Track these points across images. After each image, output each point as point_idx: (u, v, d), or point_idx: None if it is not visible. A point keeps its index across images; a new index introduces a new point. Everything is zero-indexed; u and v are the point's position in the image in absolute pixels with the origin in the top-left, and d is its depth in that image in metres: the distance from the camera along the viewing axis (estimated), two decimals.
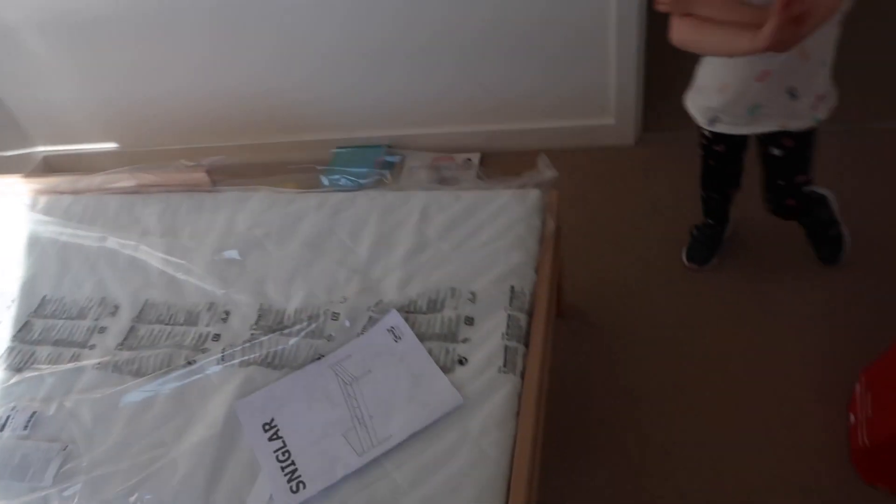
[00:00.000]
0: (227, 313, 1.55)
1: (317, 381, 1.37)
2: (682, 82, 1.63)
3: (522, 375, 1.32)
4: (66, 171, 2.62)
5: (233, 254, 1.67)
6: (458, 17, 2.21)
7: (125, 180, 1.91)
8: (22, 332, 1.61)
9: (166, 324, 1.56)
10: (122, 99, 2.62)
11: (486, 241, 1.56)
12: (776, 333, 1.83)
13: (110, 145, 2.82)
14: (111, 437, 1.34)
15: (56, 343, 1.56)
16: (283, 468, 1.24)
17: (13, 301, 1.69)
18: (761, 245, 2.00)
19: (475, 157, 2.52)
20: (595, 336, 1.92)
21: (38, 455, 1.33)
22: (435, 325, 1.43)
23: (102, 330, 1.57)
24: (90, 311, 1.62)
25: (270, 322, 1.51)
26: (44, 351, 1.55)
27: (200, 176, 1.88)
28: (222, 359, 1.44)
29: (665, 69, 1.83)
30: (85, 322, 1.59)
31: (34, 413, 1.41)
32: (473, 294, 1.45)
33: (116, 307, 1.61)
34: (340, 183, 2.41)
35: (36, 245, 1.82)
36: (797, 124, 1.46)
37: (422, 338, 1.40)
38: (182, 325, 1.55)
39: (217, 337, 1.50)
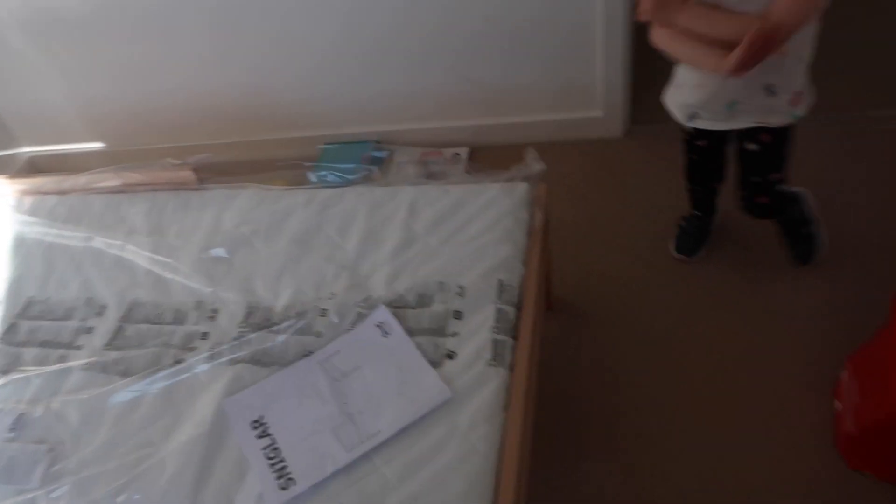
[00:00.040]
0: (215, 311, 1.54)
1: (305, 377, 1.37)
2: (669, 75, 1.63)
3: (511, 369, 1.32)
4: (51, 172, 2.60)
5: (220, 252, 1.66)
6: (446, 13, 2.20)
7: (110, 180, 1.90)
8: (8, 333, 1.60)
9: (154, 323, 1.55)
10: (108, 98, 2.60)
11: (474, 235, 1.56)
12: (763, 323, 1.83)
13: (96, 145, 2.80)
14: (99, 437, 1.33)
15: (42, 344, 1.55)
16: (272, 465, 1.23)
17: None
18: (749, 236, 2.01)
19: (463, 152, 2.51)
20: (584, 328, 1.92)
21: (24, 457, 1.32)
22: (423, 319, 1.42)
23: (89, 330, 1.56)
24: (76, 311, 1.60)
25: (258, 319, 1.50)
26: (30, 352, 1.54)
27: (187, 174, 1.87)
28: (210, 357, 1.43)
29: (652, 62, 1.84)
30: (71, 323, 1.58)
31: (20, 415, 1.40)
32: (462, 288, 1.45)
33: (103, 307, 1.60)
34: (328, 179, 2.40)
35: (21, 246, 1.80)
36: (775, 120, 1.47)
37: (410, 333, 1.40)
38: (170, 324, 1.54)
39: (205, 335, 1.50)
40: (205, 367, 1.42)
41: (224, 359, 1.42)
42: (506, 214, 1.58)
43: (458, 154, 2.51)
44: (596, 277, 2.04)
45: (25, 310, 1.65)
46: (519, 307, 1.43)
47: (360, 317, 1.45)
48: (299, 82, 2.46)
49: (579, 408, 1.76)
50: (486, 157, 2.48)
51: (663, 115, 1.67)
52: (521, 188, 1.64)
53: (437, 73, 2.36)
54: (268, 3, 2.23)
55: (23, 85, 2.59)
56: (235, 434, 1.30)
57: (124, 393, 1.39)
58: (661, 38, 1.42)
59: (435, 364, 1.33)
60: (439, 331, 1.40)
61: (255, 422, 1.31)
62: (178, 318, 1.54)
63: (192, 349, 1.47)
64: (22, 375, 1.48)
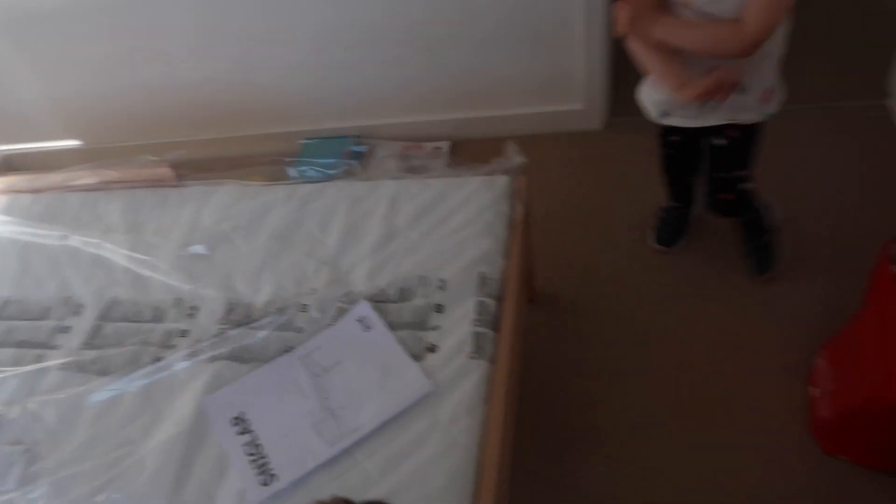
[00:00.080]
0: (195, 309, 1.53)
1: (286, 373, 1.36)
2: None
3: (493, 361, 1.32)
4: (27, 170, 2.57)
5: (199, 249, 1.65)
6: (427, 7, 2.19)
7: (87, 177, 1.88)
8: None
9: (132, 321, 1.53)
10: (84, 94, 2.57)
11: (455, 229, 1.56)
12: (741, 312, 1.85)
13: (73, 142, 2.76)
14: (77, 437, 1.32)
15: (18, 344, 1.53)
16: (253, 462, 1.23)
17: None
18: (727, 227, 2.02)
19: (444, 146, 2.51)
20: (566, 320, 1.93)
21: (0, 459, 1.31)
22: (405, 313, 1.42)
23: (66, 330, 1.54)
24: (53, 310, 1.59)
25: (239, 316, 1.49)
26: (5, 353, 1.52)
27: (164, 171, 1.85)
28: (190, 355, 1.42)
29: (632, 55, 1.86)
30: (48, 322, 1.56)
31: None
32: (443, 282, 1.45)
33: (80, 306, 1.58)
34: (308, 174, 2.40)
35: None
36: (746, 117, 1.48)
37: (392, 327, 1.40)
38: (148, 322, 1.53)
39: (185, 333, 1.49)
40: (184, 364, 1.41)
41: (204, 356, 1.42)
42: (486, 208, 1.58)
43: (438, 148, 2.51)
44: (577, 269, 2.05)
45: (1, 310, 1.62)
46: (500, 300, 1.44)
47: (341, 312, 1.45)
48: (278, 77, 2.44)
49: (561, 399, 1.77)
50: (468, 151, 2.47)
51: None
52: (502, 181, 1.64)
53: (416, 66, 2.35)
54: None
55: None
56: (216, 431, 1.29)
57: (103, 392, 1.38)
58: (632, 47, 1.45)
59: (416, 358, 1.34)
60: (420, 324, 1.40)
61: (236, 418, 1.30)
62: (157, 316, 1.53)
63: (171, 347, 1.46)
64: None
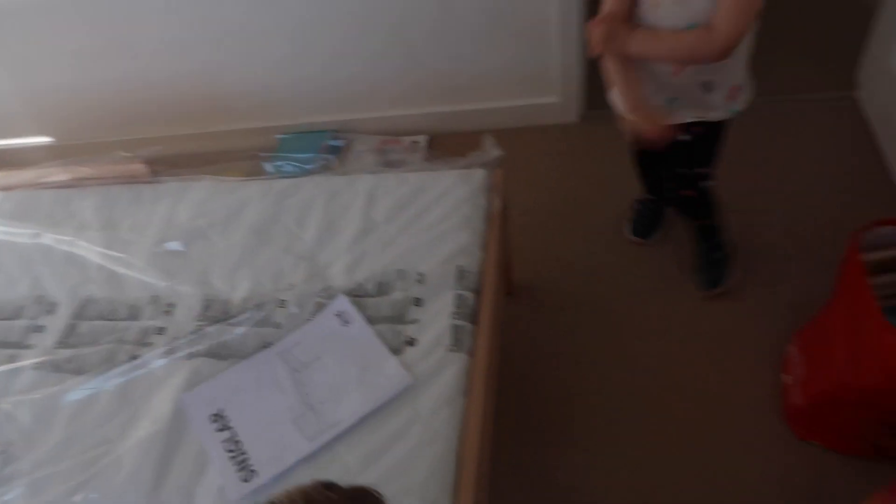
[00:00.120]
0: (171, 306, 1.52)
1: (265, 369, 1.36)
2: None
3: (471, 353, 1.33)
4: None
5: (175, 245, 1.63)
6: (403, 1, 2.19)
7: (59, 174, 1.85)
8: None
9: (108, 319, 1.52)
10: (55, 90, 2.52)
11: (432, 223, 1.56)
12: (715, 303, 1.88)
13: (43, 139, 2.71)
14: (53, 437, 1.30)
15: None
16: (232, 458, 1.23)
17: None
18: None
19: (422, 140, 2.51)
20: (544, 312, 1.94)
21: None
22: (383, 307, 1.43)
23: (40, 329, 1.52)
24: (26, 309, 1.56)
25: (216, 312, 1.49)
26: None
27: (138, 167, 1.83)
28: (167, 352, 1.41)
29: None
30: (21, 322, 1.54)
31: None
32: (421, 275, 1.46)
33: (54, 305, 1.56)
34: (285, 169, 2.38)
35: None
36: (714, 115, 1.49)
37: (371, 321, 1.40)
38: (124, 319, 1.51)
39: (161, 330, 1.47)
40: (161, 362, 1.40)
41: (181, 353, 1.41)
42: (464, 201, 1.59)
43: (416, 142, 2.50)
44: (555, 262, 2.06)
45: None
46: (478, 293, 1.44)
47: (320, 307, 1.44)
48: (254, 72, 2.42)
49: (539, 391, 1.78)
50: (445, 145, 2.47)
51: None
52: (479, 175, 1.64)
53: (393, 60, 2.35)
54: None
55: None
56: (194, 428, 1.28)
57: (78, 391, 1.37)
58: (605, 67, 1.47)
59: (395, 351, 1.34)
60: (399, 318, 1.40)
61: (215, 415, 1.30)
62: (133, 314, 1.52)
63: (148, 345, 1.44)
64: None
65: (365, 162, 2.42)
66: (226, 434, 1.26)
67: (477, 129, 1.97)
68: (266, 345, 1.40)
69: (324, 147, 2.48)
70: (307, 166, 2.39)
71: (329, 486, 0.76)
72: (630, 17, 1.41)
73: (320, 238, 1.58)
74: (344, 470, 1.18)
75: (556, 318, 1.92)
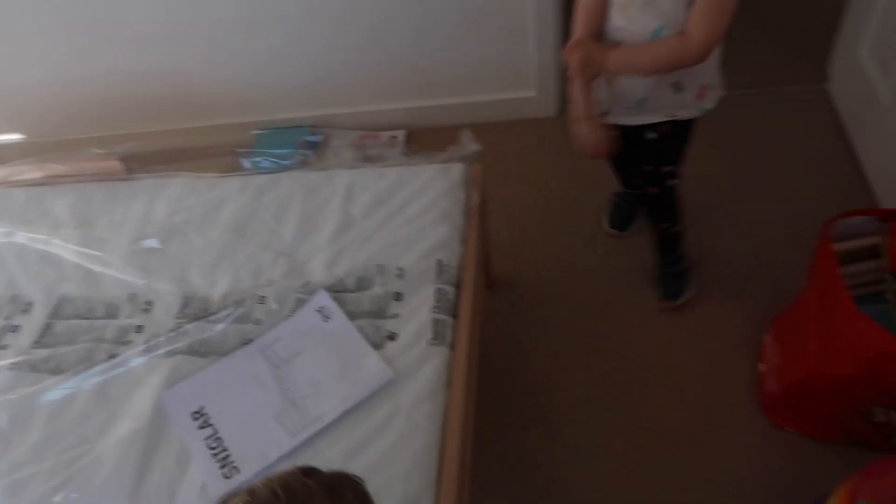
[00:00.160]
0: (150, 304, 1.51)
1: (246, 366, 1.35)
2: None
3: (452, 347, 1.34)
4: None
5: (152, 243, 1.62)
6: None
7: (32, 172, 1.83)
8: None
9: (85, 318, 1.50)
10: (26, 86, 2.48)
11: (411, 217, 1.57)
12: (693, 293, 1.90)
13: (15, 136, 2.67)
14: (30, 437, 1.29)
15: None
16: (214, 455, 1.22)
17: None
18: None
19: (400, 135, 2.51)
20: (523, 305, 1.96)
21: None
22: (364, 302, 1.43)
23: (15, 329, 1.50)
24: (0, 309, 1.54)
25: (195, 310, 1.48)
26: None
27: (113, 164, 1.81)
28: (146, 350, 1.40)
29: None
30: None
31: None
32: (401, 270, 1.46)
33: (29, 304, 1.54)
34: (263, 165, 2.37)
35: None
36: (684, 114, 1.51)
37: (351, 316, 1.40)
38: (102, 318, 1.50)
39: (140, 328, 1.46)
40: (141, 360, 1.39)
41: (161, 351, 1.40)
42: (442, 196, 1.59)
43: (394, 137, 2.50)
44: (534, 255, 2.08)
45: None
46: (458, 287, 1.45)
47: (300, 303, 1.44)
48: (230, 67, 2.40)
49: (520, 383, 1.80)
50: (423, 140, 2.48)
51: None
52: (457, 169, 1.65)
53: (370, 54, 2.34)
54: None
55: None
56: (175, 426, 1.28)
57: (56, 391, 1.35)
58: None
59: (376, 346, 1.34)
60: (380, 313, 1.40)
61: (196, 413, 1.29)
62: (111, 312, 1.50)
63: (126, 343, 1.43)
64: None
65: (343, 157, 2.41)
66: (207, 431, 1.26)
67: (455, 123, 1.97)
68: (246, 341, 1.40)
69: (301, 143, 2.47)
70: (285, 162, 2.38)
71: (308, 473, 0.76)
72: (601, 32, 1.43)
73: (299, 234, 1.58)
74: (327, 465, 1.16)
75: (536, 311, 1.94)
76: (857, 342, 1.29)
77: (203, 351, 1.39)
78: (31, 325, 1.50)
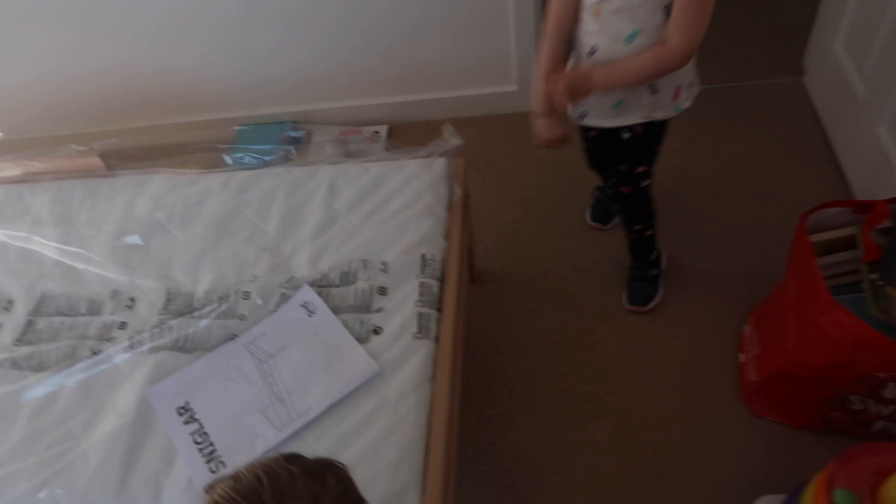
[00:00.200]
0: (133, 300, 1.50)
1: (231, 361, 1.36)
2: None
3: (437, 340, 1.35)
4: None
5: (134, 239, 1.61)
6: None
7: (9, 169, 1.81)
8: None
9: (67, 315, 1.49)
10: (3, 84, 2.45)
11: (395, 212, 1.57)
12: (672, 285, 1.93)
13: None
14: (14, 435, 1.28)
15: None
16: (200, 450, 1.23)
17: None
18: (658, 203, 2.10)
19: (383, 130, 2.51)
20: (507, 298, 1.97)
21: None
22: (348, 297, 1.43)
23: None
24: None
25: (179, 306, 1.47)
26: None
27: (93, 161, 1.79)
28: (130, 346, 1.40)
29: None
30: None
31: None
32: (385, 264, 1.47)
33: (10, 302, 1.53)
34: (245, 161, 2.36)
35: None
36: (660, 114, 1.53)
37: (336, 311, 1.41)
38: (84, 315, 1.49)
39: (123, 325, 1.46)
40: (125, 356, 1.38)
41: (145, 347, 1.39)
42: (425, 190, 1.60)
43: (377, 132, 2.50)
44: (517, 248, 2.09)
45: None
46: (442, 280, 1.46)
47: (284, 298, 1.45)
48: (210, 63, 2.38)
49: (505, 375, 1.81)
50: (406, 134, 2.48)
51: None
52: (440, 163, 1.66)
53: (352, 49, 2.34)
54: None
55: None
56: (161, 421, 1.28)
57: (39, 388, 1.34)
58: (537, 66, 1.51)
59: (362, 340, 1.35)
60: (364, 307, 1.41)
61: (181, 408, 1.29)
62: (94, 309, 1.49)
63: (110, 339, 1.43)
64: None
65: (325, 153, 2.41)
66: (193, 426, 1.26)
67: (437, 118, 1.99)
68: (231, 337, 1.40)
69: (283, 138, 2.46)
70: (267, 157, 2.36)
71: (291, 459, 0.77)
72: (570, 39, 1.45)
73: (283, 229, 1.58)
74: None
75: (520, 304, 1.96)
76: (834, 331, 1.31)
77: (188, 346, 1.39)
78: (13, 322, 1.49)
